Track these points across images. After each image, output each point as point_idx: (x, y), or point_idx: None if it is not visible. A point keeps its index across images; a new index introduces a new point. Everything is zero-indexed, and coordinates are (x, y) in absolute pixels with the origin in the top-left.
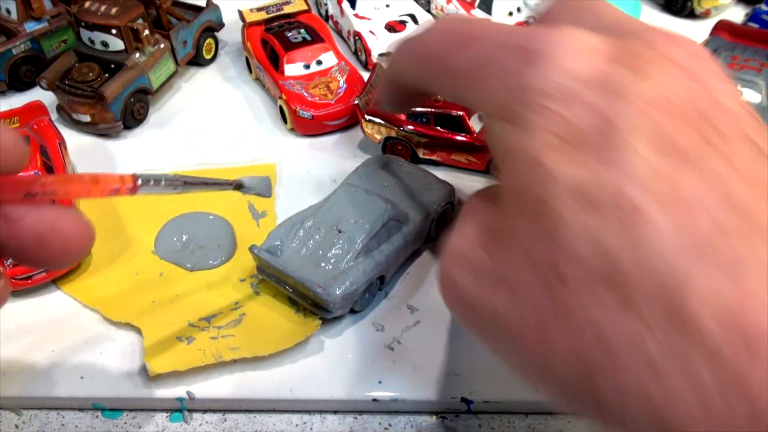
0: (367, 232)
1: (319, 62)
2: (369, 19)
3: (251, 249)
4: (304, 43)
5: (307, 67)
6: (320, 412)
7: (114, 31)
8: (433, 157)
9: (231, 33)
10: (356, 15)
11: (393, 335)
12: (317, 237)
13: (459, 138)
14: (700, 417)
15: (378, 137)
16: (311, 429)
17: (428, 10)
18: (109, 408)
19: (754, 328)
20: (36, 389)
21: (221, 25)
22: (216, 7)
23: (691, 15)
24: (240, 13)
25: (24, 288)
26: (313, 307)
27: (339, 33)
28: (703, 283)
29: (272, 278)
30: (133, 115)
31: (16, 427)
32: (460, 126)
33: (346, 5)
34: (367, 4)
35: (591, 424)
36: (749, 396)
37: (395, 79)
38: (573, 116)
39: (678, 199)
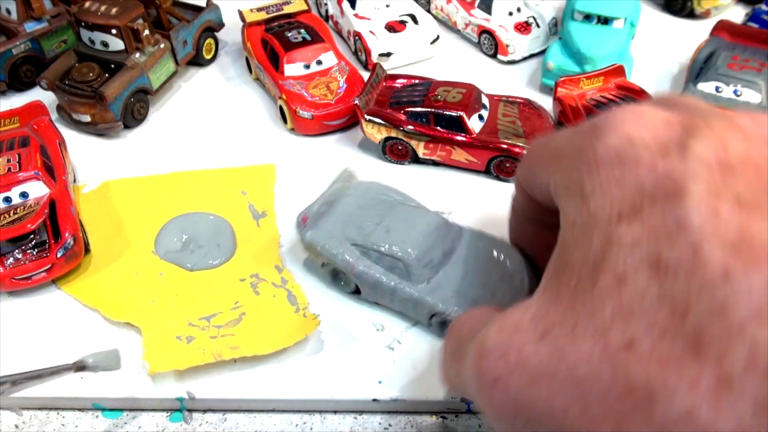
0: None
1: (319, 62)
2: (369, 19)
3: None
4: (304, 43)
5: (307, 67)
6: (320, 412)
7: (114, 31)
8: (433, 157)
9: (231, 33)
10: (356, 15)
11: (393, 335)
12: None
13: (459, 138)
14: None
15: (378, 137)
16: (311, 429)
17: (428, 10)
18: (109, 408)
19: None
20: (36, 389)
21: (221, 25)
22: (216, 7)
23: (691, 15)
24: (240, 13)
25: (24, 288)
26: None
27: (339, 33)
28: None
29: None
30: (133, 115)
31: (16, 427)
32: (460, 126)
33: (346, 5)
34: (367, 4)
35: None
36: None
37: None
38: (634, 178)
39: (756, 258)
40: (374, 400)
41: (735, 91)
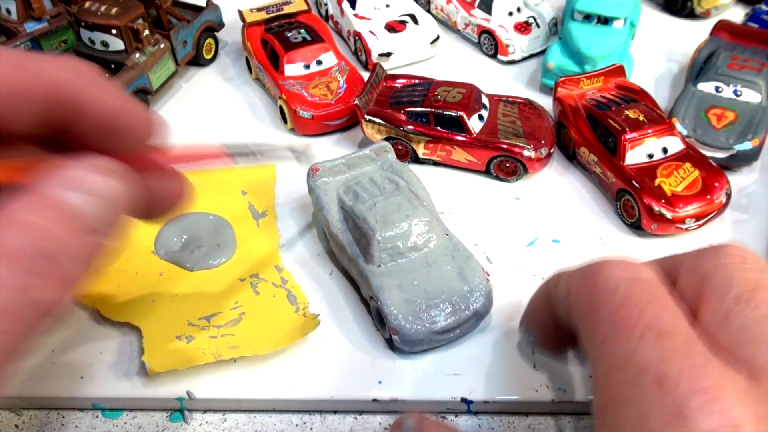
0: None
1: (319, 62)
2: (369, 19)
3: None
4: (304, 43)
5: (307, 67)
6: (320, 412)
7: (114, 31)
8: (433, 157)
9: (231, 33)
10: (356, 15)
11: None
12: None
13: (459, 138)
14: None
15: (378, 137)
16: (311, 429)
17: (428, 10)
18: (109, 408)
19: None
20: (36, 389)
21: (221, 25)
22: (216, 7)
23: (691, 15)
24: (240, 13)
25: None
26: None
27: (339, 33)
28: None
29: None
30: None
31: (16, 427)
32: (460, 126)
33: (346, 5)
34: (367, 4)
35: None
36: None
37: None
38: None
39: None
40: (374, 400)
41: (735, 91)
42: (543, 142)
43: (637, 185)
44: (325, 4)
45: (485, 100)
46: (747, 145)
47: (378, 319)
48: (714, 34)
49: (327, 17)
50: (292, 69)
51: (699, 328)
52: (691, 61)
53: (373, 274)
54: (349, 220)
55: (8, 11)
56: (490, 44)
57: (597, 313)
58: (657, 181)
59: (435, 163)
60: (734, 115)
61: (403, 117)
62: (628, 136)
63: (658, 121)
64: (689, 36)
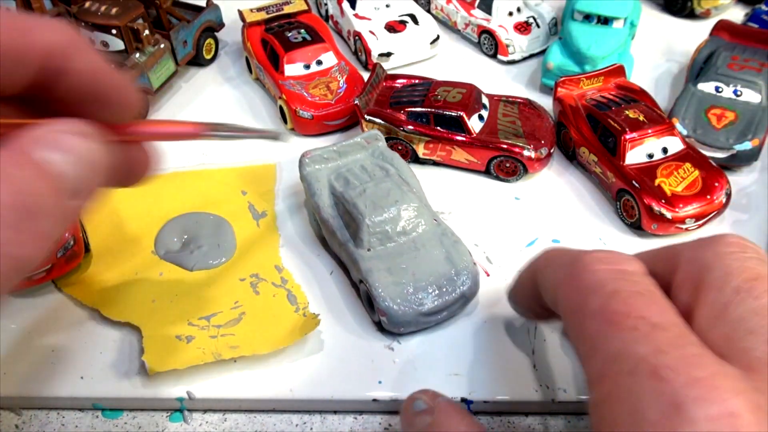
0: None
1: (319, 62)
2: (369, 19)
3: None
4: (304, 43)
5: (307, 67)
6: (320, 412)
7: (114, 31)
8: (433, 157)
9: (231, 33)
10: (356, 15)
11: (393, 335)
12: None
13: (459, 138)
14: None
15: None
16: (311, 429)
17: (428, 10)
18: (109, 408)
19: None
20: (36, 389)
21: (221, 25)
22: (216, 7)
23: (691, 15)
24: (240, 13)
25: (24, 288)
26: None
27: (339, 33)
28: None
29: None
30: None
31: (16, 427)
32: (460, 126)
33: (346, 5)
34: (367, 4)
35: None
36: None
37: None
38: None
39: None
40: (374, 400)
41: (735, 91)
42: (543, 142)
43: (637, 185)
44: (325, 4)
45: (485, 100)
46: (747, 145)
47: (367, 301)
48: (714, 34)
49: (327, 17)
50: (292, 69)
51: (697, 320)
52: (691, 61)
53: (362, 257)
54: (340, 206)
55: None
56: (490, 44)
57: (585, 308)
58: (657, 181)
59: (435, 163)
60: (734, 115)
61: (403, 117)
62: (628, 136)
63: (658, 121)
64: (689, 36)
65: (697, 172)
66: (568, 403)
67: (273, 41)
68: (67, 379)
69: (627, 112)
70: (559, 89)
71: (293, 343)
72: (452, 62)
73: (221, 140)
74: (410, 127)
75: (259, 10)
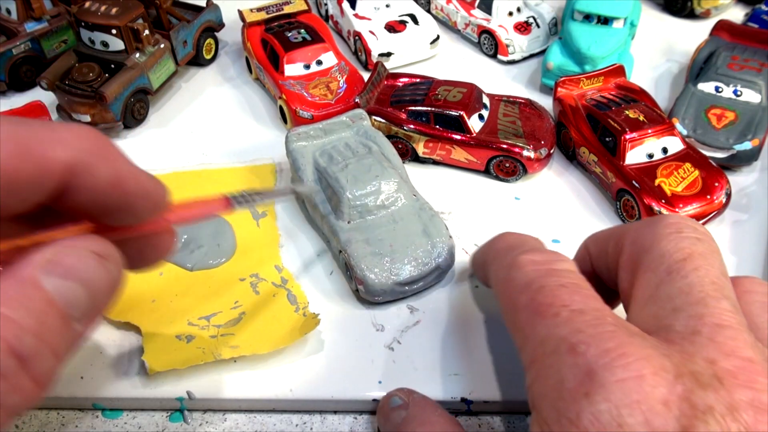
0: None
1: (319, 62)
2: (369, 19)
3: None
4: (304, 43)
5: (307, 67)
6: (320, 412)
7: (114, 31)
8: (433, 156)
9: (231, 33)
10: (356, 15)
11: (393, 335)
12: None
13: (458, 137)
14: None
15: None
16: (311, 429)
17: (428, 10)
18: (109, 408)
19: None
20: None
21: (221, 25)
22: (216, 7)
23: (691, 15)
24: (240, 13)
25: None
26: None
27: (339, 33)
28: None
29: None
30: (133, 115)
31: (16, 427)
32: (460, 125)
33: (346, 5)
34: (367, 4)
35: None
36: None
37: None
38: None
39: None
40: (374, 400)
41: (735, 91)
42: (543, 142)
43: (637, 185)
44: (325, 4)
45: (486, 100)
46: (747, 145)
47: (346, 271)
48: (714, 34)
49: (327, 17)
50: (292, 69)
51: (635, 300)
52: (691, 61)
53: (342, 229)
54: (323, 180)
55: (8, 11)
56: (490, 44)
57: (518, 304)
58: (657, 181)
59: (435, 163)
60: (734, 115)
61: (403, 116)
62: (628, 136)
63: (658, 121)
64: (689, 36)
65: (697, 172)
66: None
67: (273, 41)
68: (67, 379)
69: (627, 112)
70: (559, 89)
71: (293, 343)
72: (452, 62)
73: (245, 208)
74: (411, 126)
75: (259, 10)
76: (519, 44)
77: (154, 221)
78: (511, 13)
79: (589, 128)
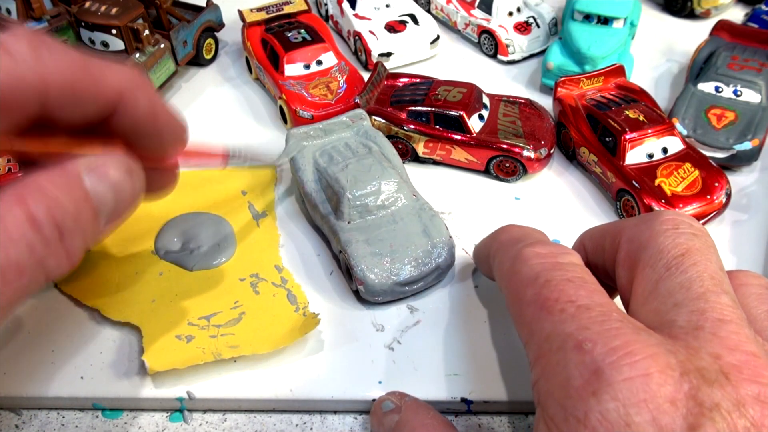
0: None
1: (319, 62)
2: (369, 19)
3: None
4: (304, 43)
5: (307, 67)
6: (320, 412)
7: (114, 31)
8: (433, 156)
9: (231, 33)
10: (356, 15)
11: (393, 335)
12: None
13: (458, 137)
14: None
15: None
16: (311, 429)
17: (428, 10)
18: (109, 408)
19: None
20: (36, 389)
21: (221, 25)
22: (216, 7)
23: (691, 15)
24: (240, 13)
25: None
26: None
27: (339, 33)
28: None
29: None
30: None
31: (16, 427)
32: (460, 125)
33: (346, 5)
34: (367, 4)
35: None
36: None
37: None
38: None
39: None
40: (374, 400)
41: (735, 91)
42: (543, 142)
43: (637, 185)
44: (325, 4)
45: (486, 100)
46: (747, 145)
47: (346, 271)
48: (714, 34)
49: (327, 17)
50: (292, 69)
51: (635, 296)
52: (691, 61)
53: (342, 229)
54: (323, 180)
55: (8, 11)
56: (490, 44)
57: (523, 298)
58: (657, 181)
59: (435, 163)
60: (734, 115)
61: (403, 116)
62: (628, 136)
63: (658, 121)
64: (689, 36)
65: (697, 172)
66: None
67: (273, 41)
68: (67, 379)
69: (627, 112)
70: (559, 89)
71: (293, 342)
72: (452, 62)
73: (239, 166)
74: (411, 126)
75: (259, 10)
76: (519, 44)
77: (172, 155)
78: (511, 13)
79: (589, 128)
